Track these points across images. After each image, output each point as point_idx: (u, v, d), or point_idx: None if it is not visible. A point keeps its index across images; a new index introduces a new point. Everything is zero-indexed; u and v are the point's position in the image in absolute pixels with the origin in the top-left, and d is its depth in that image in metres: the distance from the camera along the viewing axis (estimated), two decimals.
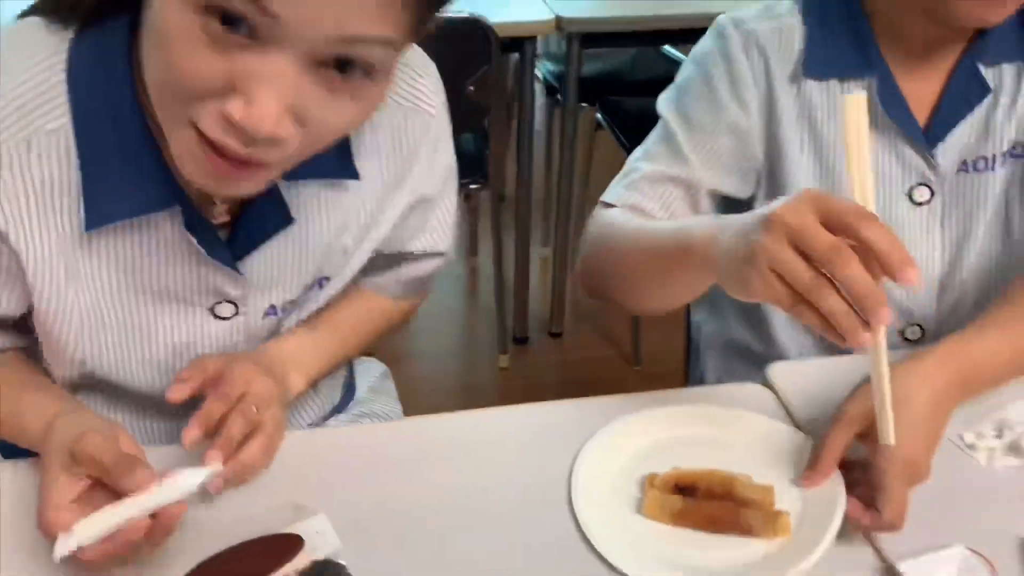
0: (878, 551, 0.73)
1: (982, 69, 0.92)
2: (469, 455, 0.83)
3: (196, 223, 0.75)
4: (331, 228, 0.83)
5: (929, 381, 0.77)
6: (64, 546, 0.65)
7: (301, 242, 0.82)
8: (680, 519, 0.76)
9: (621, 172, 1.00)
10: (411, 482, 0.80)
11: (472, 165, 2.05)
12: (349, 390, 1.09)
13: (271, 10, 0.55)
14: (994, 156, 0.95)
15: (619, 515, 0.77)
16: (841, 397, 0.88)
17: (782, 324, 1.04)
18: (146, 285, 0.78)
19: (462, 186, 2.14)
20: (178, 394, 0.76)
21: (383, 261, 0.93)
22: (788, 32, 0.94)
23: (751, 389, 0.92)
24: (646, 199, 0.96)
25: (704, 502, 0.76)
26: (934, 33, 0.90)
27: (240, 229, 0.78)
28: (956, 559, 0.71)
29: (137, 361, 0.83)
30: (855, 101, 0.66)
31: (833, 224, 0.64)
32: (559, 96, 2.18)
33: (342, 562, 0.70)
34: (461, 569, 0.72)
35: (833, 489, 0.75)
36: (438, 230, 0.93)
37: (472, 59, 1.79)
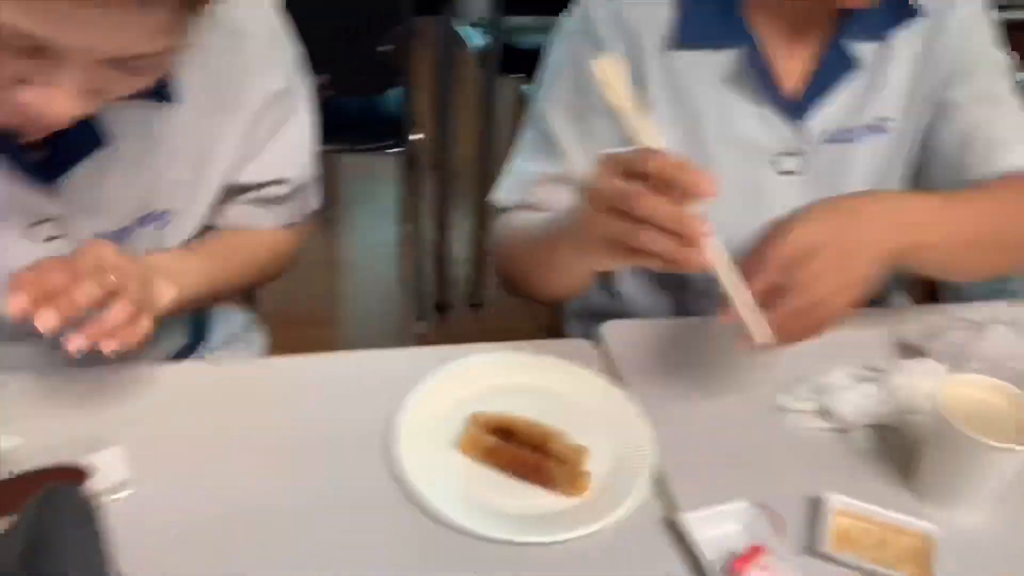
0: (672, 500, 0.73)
1: (851, 45, 0.93)
2: (287, 398, 0.83)
3: (2, 140, 0.73)
4: (157, 155, 0.82)
5: (856, 204, 0.79)
6: None
7: (125, 167, 0.81)
8: (489, 457, 0.77)
9: (506, 171, 1.02)
10: (221, 421, 0.80)
11: (395, 127, 2.04)
12: (195, 333, 1.08)
13: (49, 47, 0.58)
14: (858, 129, 0.96)
15: (437, 450, 0.78)
16: (673, 358, 0.89)
17: (633, 285, 1.05)
18: None
19: (383, 148, 2.17)
20: (18, 304, 0.65)
21: (231, 192, 0.92)
22: (656, 3, 0.94)
23: (580, 344, 0.92)
24: (533, 198, 0.98)
25: (515, 447, 0.77)
26: (803, 9, 0.91)
27: (56, 148, 0.77)
28: (742, 514, 0.72)
29: None
30: (604, 64, 0.68)
31: (629, 173, 0.67)
32: (482, 66, 2.17)
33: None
34: (256, 505, 0.72)
35: (641, 461, 0.77)
36: (282, 156, 0.92)
37: (385, 19, 1.77)
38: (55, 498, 0.54)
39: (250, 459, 0.76)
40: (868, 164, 0.98)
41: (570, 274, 0.90)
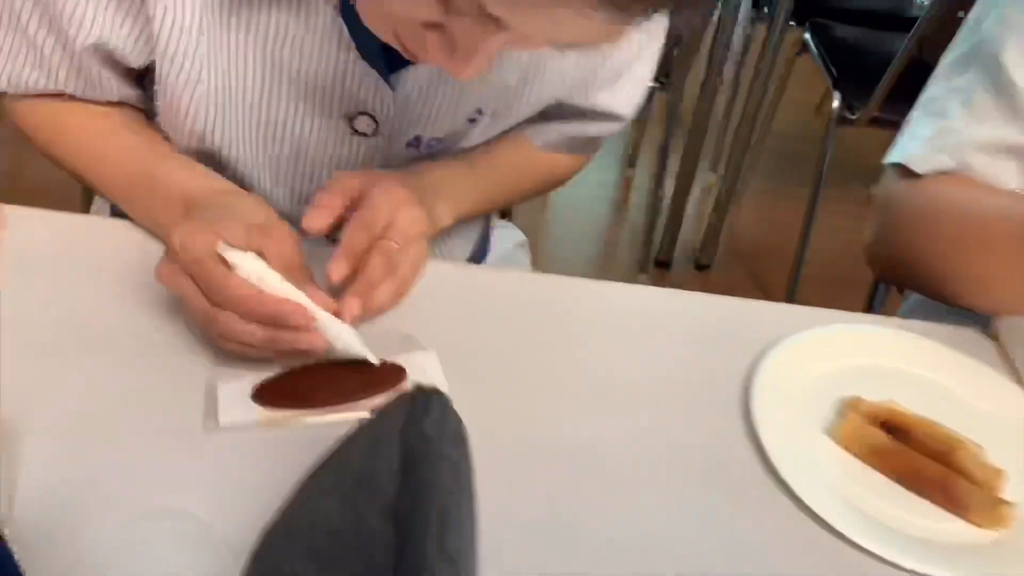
0: None
1: None
2: (619, 330, 0.71)
3: (353, 14, 0.62)
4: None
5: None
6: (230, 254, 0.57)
7: None
8: (876, 459, 0.61)
9: (918, 122, 0.80)
10: (543, 343, 0.68)
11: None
12: (482, 247, 0.98)
13: (501, 25, 0.47)
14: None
15: (803, 432, 0.64)
16: None
17: None
18: (285, 74, 0.68)
19: None
20: (317, 222, 0.63)
21: (556, 110, 0.81)
22: None
23: (967, 335, 0.74)
24: (977, 173, 0.75)
25: (913, 452, 0.61)
26: None
27: None
28: None
29: (263, 156, 0.74)
30: None
31: None
32: (765, 8, 1.96)
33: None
34: (578, 452, 0.60)
35: None
36: (625, 91, 0.81)
37: None
38: (429, 406, 0.43)
39: (578, 399, 0.64)
40: None
41: None
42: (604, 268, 2.25)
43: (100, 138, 0.73)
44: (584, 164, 0.92)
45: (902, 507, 0.59)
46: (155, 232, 0.70)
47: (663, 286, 2.35)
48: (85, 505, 0.52)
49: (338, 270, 0.62)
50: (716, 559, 0.55)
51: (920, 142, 0.78)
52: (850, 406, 0.64)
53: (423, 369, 0.63)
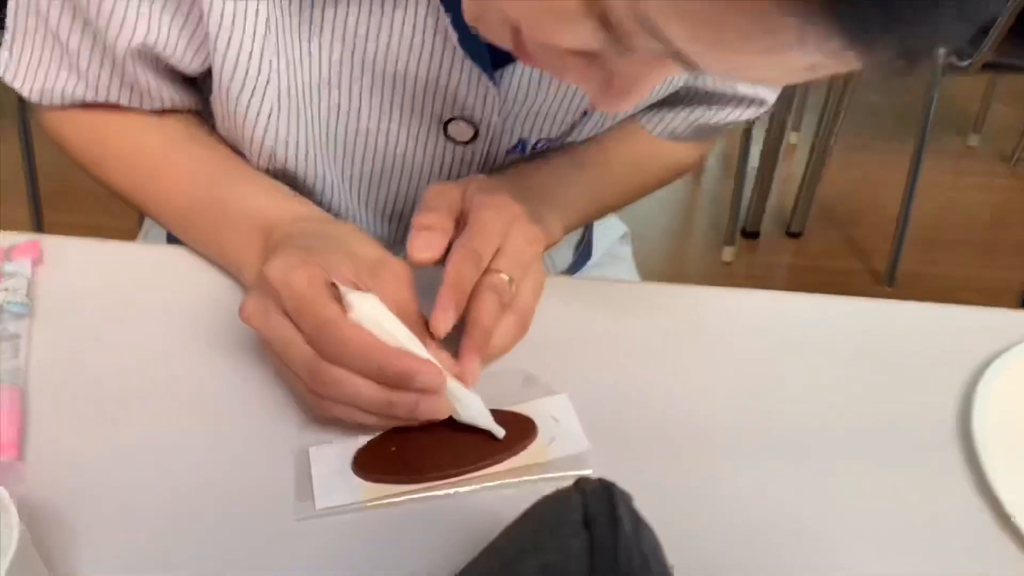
0: None
1: None
2: (779, 350, 0.58)
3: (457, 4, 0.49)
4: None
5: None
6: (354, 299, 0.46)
7: None
8: None
9: None
10: (670, 365, 0.56)
11: None
12: (584, 252, 0.85)
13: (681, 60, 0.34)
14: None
15: None
16: None
17: None
18: (370, 72, 0.56)
19: None
20: (431, 248, 0.51)
21: (684, 95, 0.67)
22: None
23: None
24: None
25: None
26: None
27: None
28: None
29: (344, 173, 0.63)
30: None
31: None
32: None
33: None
34: (766, 520, 0.48)
35: None
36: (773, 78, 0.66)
37: None
38: (619, 531, 0.31)
39: (744, 440, 0.52)
40: None
41: None
42: (686, 242, 2.10)
43: (154, 154, 0.62)
44: (707, 154, 0.79)
45: None
46: (225, 269, 0.59)
47: (754, 258, 2.23)
48: None
49: (445, 321, 0.49)
50: None
51: None
52: None
53: (555, 419, 0.51)
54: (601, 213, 0.75)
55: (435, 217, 0.52)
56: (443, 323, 0.49)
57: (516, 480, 0.48)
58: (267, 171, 0.60)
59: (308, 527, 0.46)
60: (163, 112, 0.62)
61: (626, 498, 0.33)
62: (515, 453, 0.49)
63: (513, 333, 0.53)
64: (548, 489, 0.39)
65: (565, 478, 0.46)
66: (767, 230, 2.07)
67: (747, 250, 2.03)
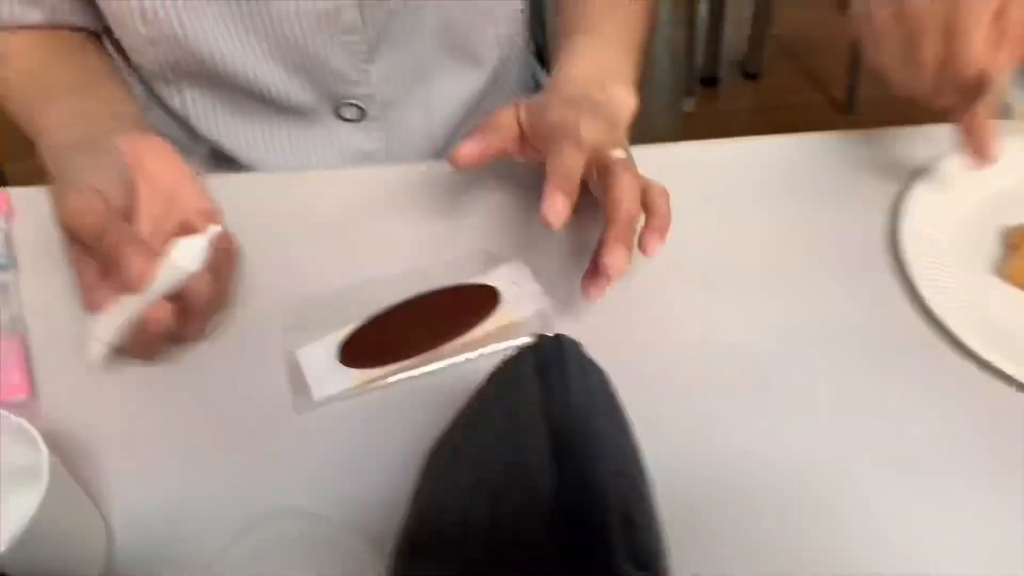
0: None
1: None
2: (722, 196, 0.61)
3: None
4: None
5: None
6: (93, 351, 0.50)
7: None
8: None
9: None
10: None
11: None
12: None
13: None
14: None
15: (964, 273, 0.55)
16: None
17: None
18: None
19: None
20: (467, 155, 0.53)
21: None
22: None
23: None
24: None
25: None
26: None
27: None
28: None
29: (253, 50, 0.65)
30: None
31: None
32: None
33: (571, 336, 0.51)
34: (717, 352, 0.52)
35: None
36: None
37: None
38: (568, 363, 0.35)
39: (698, 284, 0.56)
40: None
41: None
42: (646, 97, 2.10)
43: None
44: None
45: None
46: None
47: (715, 104, 2.23)
48: (185, 523, 0.46)
49: (556, 208, 0.47)
50: (898, 437, 0.47)
51: None
52: (1019, 236, 0.54)
53: (516, 284, 0.55)
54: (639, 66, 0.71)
55: (485, 135, 0.54)
56: (555, 211, 0.47)
57: (491, 346, 0.52)
58: (173, 66, 0.65)
59: (309, 419, 0.50)
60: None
61: (574, 345, 0.37)
62: (483, 319, 0.53)
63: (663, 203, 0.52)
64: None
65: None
66: (725, 75, 2.07)
67: (708, 98, 2.04)
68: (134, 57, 0.68)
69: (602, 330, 0.51)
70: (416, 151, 0.77)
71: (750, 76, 2.05)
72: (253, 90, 0.69)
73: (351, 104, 0.72)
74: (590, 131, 0.52)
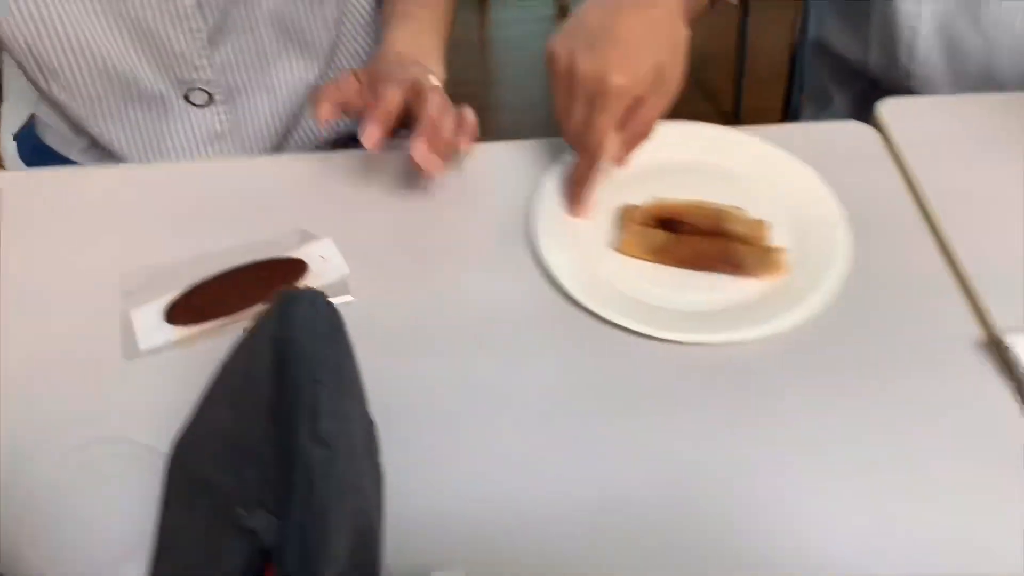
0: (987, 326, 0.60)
1: None
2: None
3: None
4: None
5: None
6: None
7: None
8: (662, 255, 0.65)
9: None
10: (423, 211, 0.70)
11: None
12: None
13: None
14: None
15: (588, 250, 0.66)
16: (976, 141, 0.73)
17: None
18: None
19: None
20: (328, 111, 0.67)
21: None
22: None
23: (851, 128, 0.76)
24: None
25: (689, 237, 0.65)
26: None
27: None
28: None
29: (109, 35, 0.75)
30: None
31: None
32: None
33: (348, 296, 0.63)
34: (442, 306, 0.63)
35: (832, 228, 0.65)
36: None
37: None
38: (298, 304, 0.46)
39: (464, 257, 0.67)
40: None
41: None
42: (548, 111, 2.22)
43: None
44: None
45: (697, 289, 0.63)
46: None
47: None
48: (21, 444, 0.56)
49: (372, 136, 0.64)
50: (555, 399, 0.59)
51: None
52: (625, 216, 0.67)
53: (323, 258, 0.66)
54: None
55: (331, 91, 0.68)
56: (370, 137, 0.64)
57: None
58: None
59: (135, 365, 0.60)
60: None
61: (315, 294, 0.47)
62: (290, 286, 0.64)
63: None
64: None
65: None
66: None
67: None
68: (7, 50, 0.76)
69: (396, 294, 0.63)
70: (264, 133, 0.87)
71: None
72: (111, 77, 0.78)
73: (199, 89, 0.81)
74: (408, 72, 0.67)
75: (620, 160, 0.66)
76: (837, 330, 0.60)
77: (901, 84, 0.85)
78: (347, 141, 0.94)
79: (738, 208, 0.66)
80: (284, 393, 0.43)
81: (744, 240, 0.64)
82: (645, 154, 0.69)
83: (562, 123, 0.64)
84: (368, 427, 0.48)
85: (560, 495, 0.52)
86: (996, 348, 0.58)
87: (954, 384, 0.57)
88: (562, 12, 2.43)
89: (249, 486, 0.42)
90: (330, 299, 0.59)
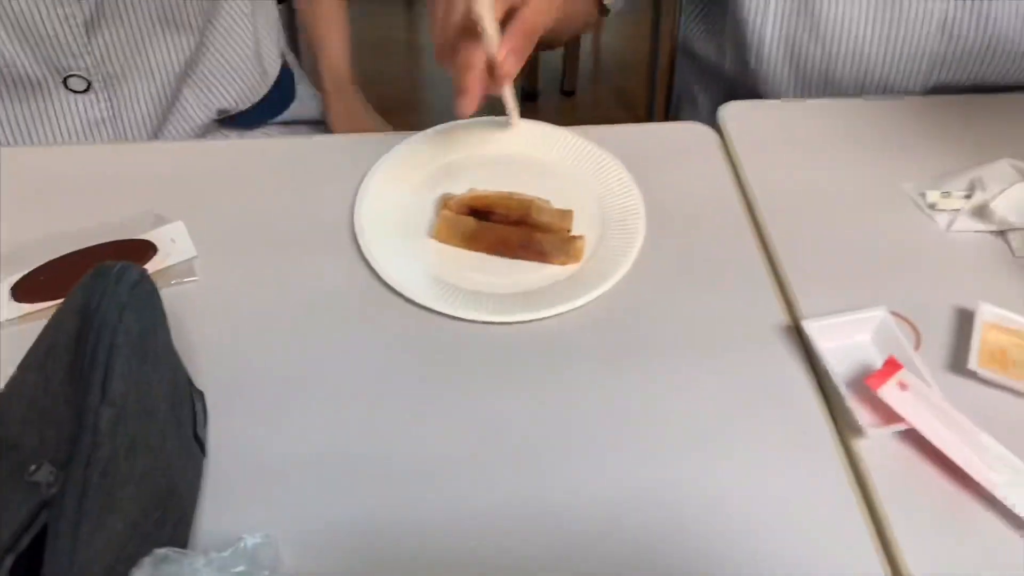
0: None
1: None
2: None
3: None
4: None
5: None
6: None
7: None
8: (472, 242, 0.69)
9: None
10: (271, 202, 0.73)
11: None
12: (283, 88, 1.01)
13: None
14: None
15: (407, 238, 0.70)
16: (801, 142, 0.78)
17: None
18: None
19: None
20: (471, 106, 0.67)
21: None
22: None
23: (694, 129, 0.80)
24: None
25: (496, 225, 0.69)
26: None
27: None
28: (875, 321, 0.62)
29: None
30: None
31: None
32: None
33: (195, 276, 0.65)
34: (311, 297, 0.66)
35: (633, 220, 0.70)
36: None
37: None
38: (107, 276, 0.48)
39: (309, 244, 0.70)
40: None
41: None
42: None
43: None
44: None
45: (501, 273, 0.67)
46: None
47: (532, 118, 2.38)
48: None
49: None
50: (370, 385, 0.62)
51: None
52: (442, 204, 0.71)
53: (172, 240, 0.68)
54: None
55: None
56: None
57: None
58: None
59: None
60: None
61: (128, 268, 0.50)
62: (140, 263, 0.65)
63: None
64: (165, 292, 0.56)
65: (181, 282, 0.65)
66: (546, 90, 2.25)
67: (528, 112, 2.21)
68: None
69: (239, 278, 0.65)
70: (144, 117, 0.88)
71: (567, 93, 2.24)
72: None
73: (77, 76, 0.83)
74: None
75: (506, 66, 0.66)
76: (641, 311, 0.64)
77: (755, 88, 0.90)
78: (221, 123, 0.96)
79: (546, 200, 0.70)
80: (83, 357, 0.45)
81: (548, 229, 0.68)
82: (468, 147, 0.74)
83: (437, 30, 0.66)
84: (179, 395, 0.51)
85: (382, 465, 0.55)
86: (798, 332, 0.63)
87: (757, 360, 0.61)
88: None
89: (48, 445, 0.45)
90: (177, 280, 0.63)
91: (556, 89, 2.25)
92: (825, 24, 0.83)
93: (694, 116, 1.03)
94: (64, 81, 0.83)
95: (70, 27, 0.79)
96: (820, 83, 0.87)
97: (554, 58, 2.25)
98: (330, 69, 1.07)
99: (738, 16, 0.87)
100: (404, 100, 2.19)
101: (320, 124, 1.09)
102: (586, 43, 2.17)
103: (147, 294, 0.50)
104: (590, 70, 2.25)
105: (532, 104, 2.22)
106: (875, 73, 0.86)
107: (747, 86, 0.92)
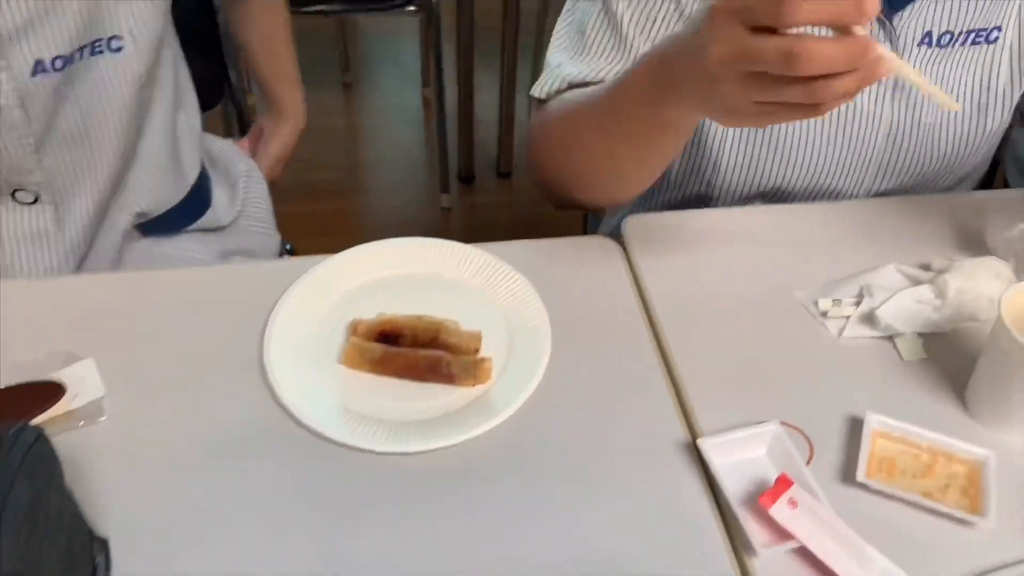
0: None
1: None
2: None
3: None
4: None
5: None
6: None
7: None
8: (380, 367, 0.70)
9: (545, 65, 0.87)
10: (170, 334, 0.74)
11: None
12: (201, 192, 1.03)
13: None
14: (960, 35, 0.84)
15: (317, 367, 0.71)
16: (699, 256, 0.81)
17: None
18: None
19: (401, 5, 2.01)
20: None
21: None
22: None
23: (598, 242, 0.83)
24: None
25: (403, 350, 0.71)
26: None
27: None
28: (768, 436, 0.65)
29: None
30: None
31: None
32: None
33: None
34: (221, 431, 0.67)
35: (540, 339, 0.72)
36: None
37: None
38: (10, 450, 0.48)
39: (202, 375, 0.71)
40: (967, 75, 0.86)
41: (661, 143, 0.73)
42: (407, 193, 2.29)
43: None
44: None
45: (410, 399, 0.68)
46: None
47: (473, 199, 2.45)
48: None
49: None
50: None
51: (545, 73, 0.85)
52: (351, 331, 0.72)
53: (82, 379, 0.68)
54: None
55: None
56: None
57: (50, 429, 0.65)
58: None
59: None
60: None
61: (18, 435, 0.50)
62: (44, 410, 0.66)
63: None
64: (73, 434, 0.56)
65: (89, 423, 0.65)
66: (481, 173, 2.29)
67: (465, 194, 2.25)
68: None
69: (147, 415, 0.66)
70: (84, 228, 0.89)
71: (503, 175, 2.28)
72: None
73: (25, 190, 0.83)
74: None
75: None
76: (549, 430, 0.66)
77: (701, 195, 0.93)
78: (140, 229, 0.98)
79: (454, 321, 0.72)
80: None
81: (457, 351, 0.70)
82: (377, 269, 0.77)
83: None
84: (75, 559, 0.51)
85: None
86: (696, 448, 0.65)
87: (656, 478, 0.63)
88: (426, 102, 2.52)
89: None
90: (85, 421, 0.63)
91: (493, 171, 2.29)
92: (780, 131, 0.86)
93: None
94: (12, 192, 0.84)
95: (21, 148, 0.80)
96: (773, 190, 0.90)
97: (490, 140, 2.30)
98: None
99: (699, 128, 0.88)
100: (343, 183, 2.22)
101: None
102: (521, 126, 2.22)
103: (43, 456, 0.51)
104: (525, 153, 2.30)
105: (468, 186, 2.26)
106: (825, 182, 0.89)
107: (689, 194, 0.94)
